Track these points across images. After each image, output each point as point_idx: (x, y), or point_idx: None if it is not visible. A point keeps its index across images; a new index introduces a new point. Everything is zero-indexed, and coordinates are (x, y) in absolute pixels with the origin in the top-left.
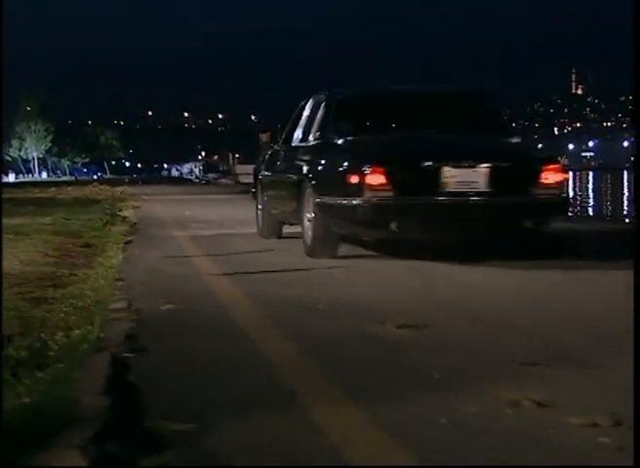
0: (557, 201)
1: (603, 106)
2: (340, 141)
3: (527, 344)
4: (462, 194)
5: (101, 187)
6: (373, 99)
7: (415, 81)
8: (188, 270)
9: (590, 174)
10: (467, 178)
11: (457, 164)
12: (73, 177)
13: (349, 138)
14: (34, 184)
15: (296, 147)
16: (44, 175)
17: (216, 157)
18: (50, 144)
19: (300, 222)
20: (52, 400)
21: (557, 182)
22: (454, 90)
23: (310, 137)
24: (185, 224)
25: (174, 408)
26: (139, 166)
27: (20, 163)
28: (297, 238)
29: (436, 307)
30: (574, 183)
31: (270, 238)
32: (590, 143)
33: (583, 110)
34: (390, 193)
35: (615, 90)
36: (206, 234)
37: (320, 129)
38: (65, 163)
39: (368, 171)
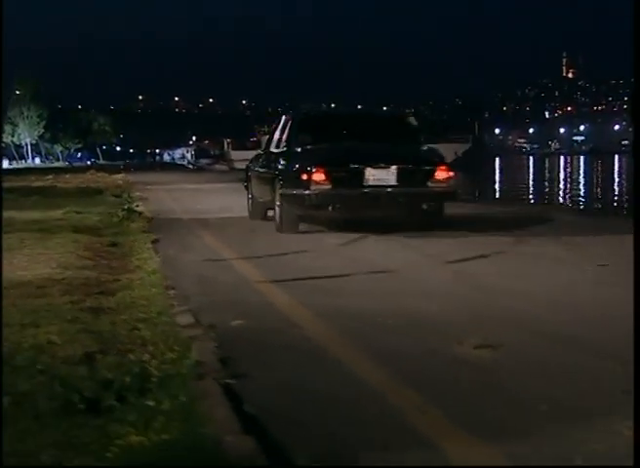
0: (446, 191)
1: (594, 89)
2: (298, 149)
3: (611, 365)
4: (379, 187)
5: (99, 175)
6: (324, 118)
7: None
8: (234, 277)
9: (581, 158)
10: (382, 176)
11: (375, 166)
12: (68, 163)
13: (305, 147)
14: (30, 171)
15: (272, 153)
16: (37, 160)
17: (207, 142)
18: (42, 130)
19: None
20: (192, 437)
21: (446, 178)
22: (382, 113)
23: (281, 146)
24: (203, 220)
25: (323, 450)
26: (130, 151)
27: (12, 149)
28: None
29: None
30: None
31: (257, 219)
32: (582, 127)
33: (574, 94)
34: (329, 186)
35: (605, 73)
36: (228, 233)
37: (287, 140)
38: (58, 149)
39: (313, 171)
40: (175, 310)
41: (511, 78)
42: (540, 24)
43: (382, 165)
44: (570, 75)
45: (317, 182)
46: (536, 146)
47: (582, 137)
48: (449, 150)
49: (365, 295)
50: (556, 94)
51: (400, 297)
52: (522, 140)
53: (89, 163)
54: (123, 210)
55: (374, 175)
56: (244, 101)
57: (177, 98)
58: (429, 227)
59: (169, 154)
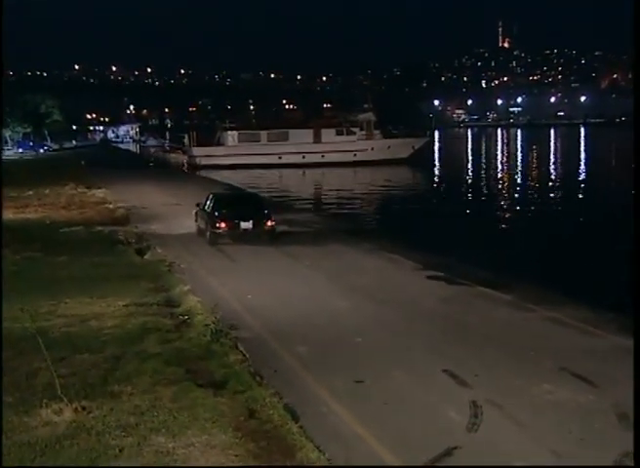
0: (273, 230)
1: (529, 60)
2: (215, 211)
3: None
4: (246, 229)
5: (79, 191)
6: (226, 196)
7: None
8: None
9: (518, 132)
10: (247, 226)
11: (245, 220)
12: (20, 152)
13: (217, 210)
14: None
15: (204, 209)
16: None
17: (154, 121)
18: None
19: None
20: None
21: (272, 225)
22: (252, 194)
23: (206, 207)
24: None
25: None
26: (73, 128)
27: None
28: None
29: None
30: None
31: (200, 236)
32: (519, 99)
33: (510, 63)
34: (225, 229)
35: (540, 43)
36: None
37: (211, 205)
38: (7, 133)
39: (218, 221)
40: None
41: (449, 47)
42: None
43: (247, 219)
44: (506, 45)
45: (220, 227)
46: (475, 117)
47: (519, 109)
48: (407, 145)
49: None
50: (493, 63)
51: None
52: (460, 111)
53: (42, 151)
54: (204, 335)
55: (243, 224)
56: (182, 70)
57: (114, 68)
58: (268, 243)
59: (113, 131)
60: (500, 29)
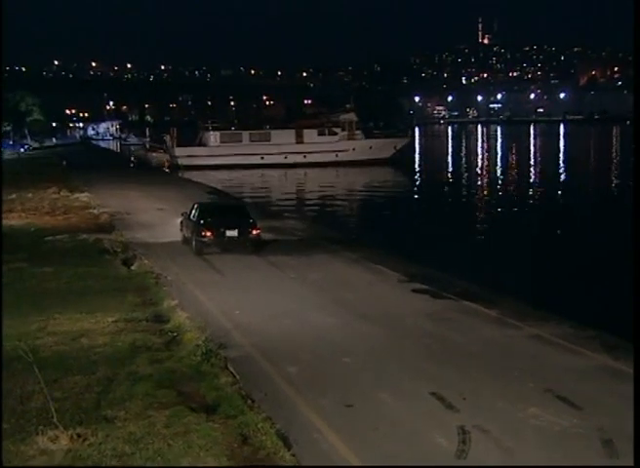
0: (258, 238)
1: (509, 56)
2: (201, 220)
3: None
4: (232, 237)
5: (62, 194)
6: (211, 205)
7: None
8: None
9: (498, 129)
10: (233, 233)
11: (230, 229)
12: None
13: (203, 219)
14: None
15: (190, 219)
16: None
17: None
18: None
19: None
20: None
21: (258, 233)
22: (238, 204)
23: (192, 216)
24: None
25: None
26: (53, 125)
27: None
28: None
29: None
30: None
31: (185, 244)
32: (499, 96)
33: (490, 60)
34: (211, 238)
35: (519, 39)
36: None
37: (196, 214)
38: None
39: (204, 230)
40: None
41: (429, 44)
42: None
43: (233, 228)
44: (486, 41)
45: (206, 236)
46: (455, 114)
47: (499, 105)
48: (388, 145)
49: None
50: (472, 60)
51: None
52: (441, 108)
53: (22, 150)
54: (195, 354)
55: (230, 232)
56: (163, 66)
57: (93, 64)
58: (254, 252)
59: (93, 129)
60: (481, 25)
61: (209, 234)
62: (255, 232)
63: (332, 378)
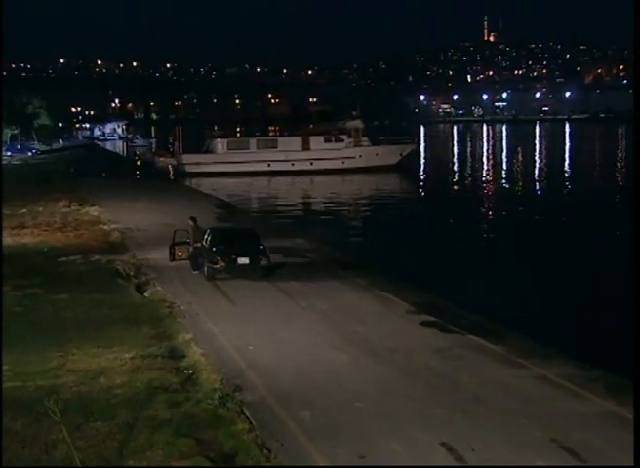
0: (265, 265)
1: (514, 54)
2: (213, 247)
3: None
4: (243, 265)
5: (73, 208)
6: (225, 231)
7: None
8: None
9: (504, 128)
10: (244, 261)
11: (242, 256)
12: (9, 155)
13: (215, 246)
14: None
15: (203, 246)
16: None
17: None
18: None
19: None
20: None
21: (268, 256)
22: (248, 230)
23: (205, 243)
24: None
25: None
26: (60, 125)
27: None
28: None
29: None
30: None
31: (193, 263)
32: (504, 94)
33: (495, 58)
34: (223, 265)
35: (525, 37)
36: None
37: (208, 239)
38: None
39: (216, 258)
40: None
41: (435, 42)
42: None
43: (244, 255)
44: (491, 38)
45: (218, 263)
46: (460, 112)
47: (504, 104)
48: (394, 152)
49: None
50: (478, 57)
51: None
52: (446, 106)
53: (30, 154)
54: (212, 397)
55: (242, 260)
56: (168, 65)
57: (99, 61)
58: (263, 277)
59: (99, 129)
60: (486, 23)
61: (221, 262)
62: (265, 260)
63: (344, 426)
